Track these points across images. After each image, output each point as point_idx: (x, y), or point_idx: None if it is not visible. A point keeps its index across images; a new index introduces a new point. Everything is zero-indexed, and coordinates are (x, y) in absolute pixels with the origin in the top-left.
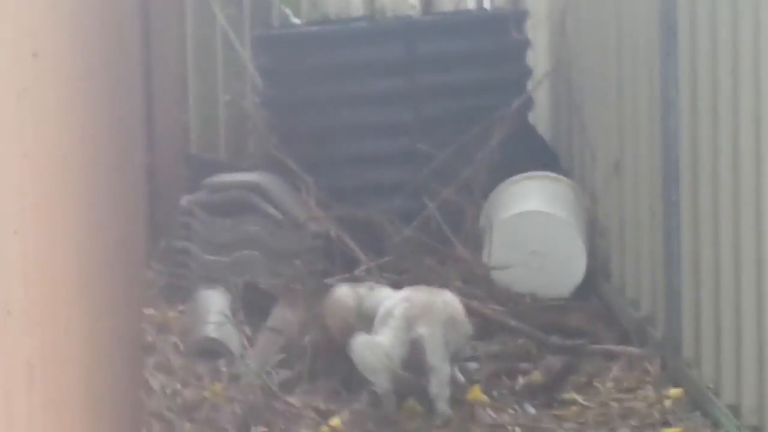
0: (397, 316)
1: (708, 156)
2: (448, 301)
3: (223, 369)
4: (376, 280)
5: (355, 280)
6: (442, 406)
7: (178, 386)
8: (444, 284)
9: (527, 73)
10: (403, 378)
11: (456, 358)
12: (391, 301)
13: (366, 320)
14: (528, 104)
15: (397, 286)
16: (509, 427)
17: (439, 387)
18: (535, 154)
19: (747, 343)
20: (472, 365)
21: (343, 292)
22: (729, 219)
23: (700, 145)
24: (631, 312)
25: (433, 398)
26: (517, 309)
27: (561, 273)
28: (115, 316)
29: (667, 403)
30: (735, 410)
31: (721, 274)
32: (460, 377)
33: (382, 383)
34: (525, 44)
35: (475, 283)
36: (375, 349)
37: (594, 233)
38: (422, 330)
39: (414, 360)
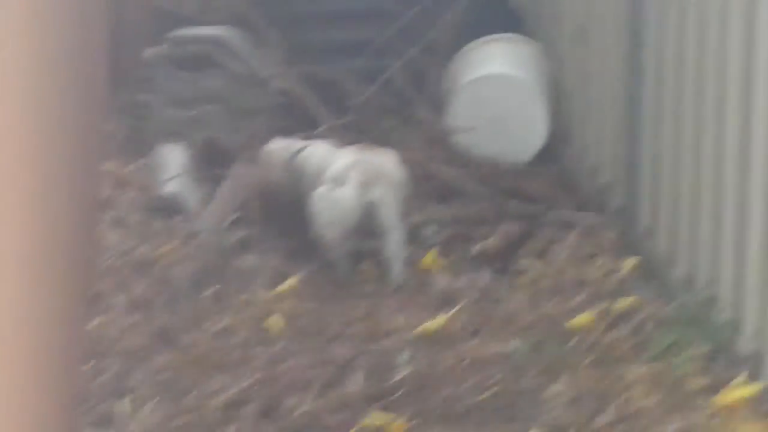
0: (353, 178)
1: (675, 21)
2: (395, 162)
3: (180, 226)
4: (337, 139)
5: (316, 138)
6: (398, 270)
7: (133, 242)
8: (405, 145)
9: None
10: (358, 240)
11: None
12: (341, 162)
13: (296, 174)
14: None
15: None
16: (464, 293)
17: (394, 249)
18: (500, 17)
19: (704, 216)
20: (429, 229)
21: (277, 146)
22: (692, 90)
23: (666, 11)
24: (590, 179)
25: (388, 260)
26: (477, 173)
27: (522, 138)
28: (70, 169)
29: (623, 272)
30: (689, 282)
31: (681, 145)
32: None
33: (336, 240)
34: None
35: (435, 145)
36: (336, 203)
37: (557, 98)
38: (377, 193)
39: (369, 223)
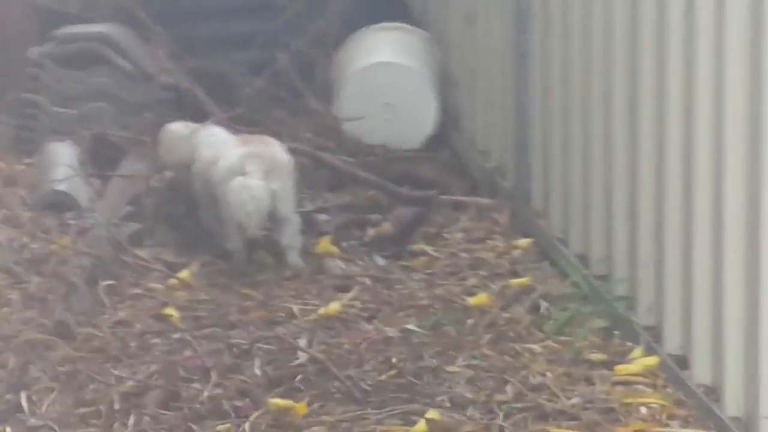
0: (254, 169)
1: (558, 7)
2: (283, 151)
3: (71, 222)
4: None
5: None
6: (294, 258)
7: (26, 239)
8: (294, 136)
9: None
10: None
11: None
12: (235, 152)
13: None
14: None
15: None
16: (359, 278)
17: (291, 238)
18: (387, 5)
19: (595, 194)
20: (322, 217)
21: (176, 125)
22: (579, 70)
23: None
24: (481, 163)
25: (285, 249)
26: (367, 160)
27: (412, 124)
28: None
29: (516, 253)
30: (583, 260)
31: (570, 125)
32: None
33: (252, 230)
34: None
35: (325, 134)
36: (255, 192)
37: (446, 84)
38: (275, 183)
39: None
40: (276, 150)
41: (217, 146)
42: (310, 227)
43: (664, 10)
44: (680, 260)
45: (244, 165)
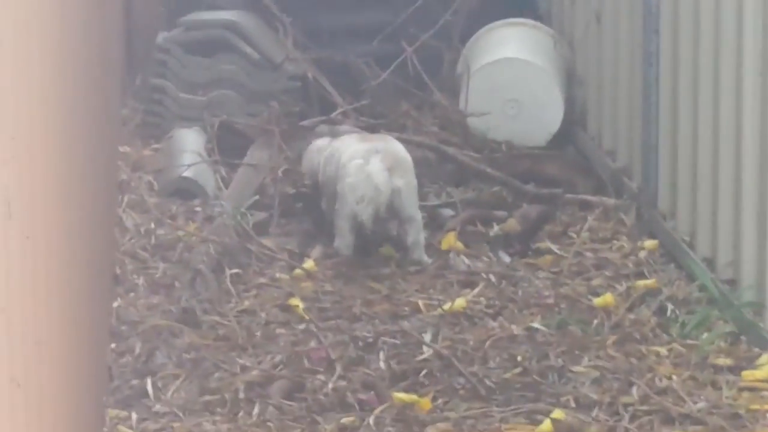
0: (377, 167)
1: (689, 5)
2: (404, 149)
3: (198, 209)
4: (352, 124)
5: (331, 122)
6: (419, 254)
7: (152, 225)
8: (419, 129)
9: None
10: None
11: None
12: (357, 148)
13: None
14: None
15: (373, 130)
16: (484, 275)
17: (416, 235)
18: (514, 1)
19: (724, 197)
20: (448, 212)
21: (320, 144)
22: (708, 70)
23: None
24: (607, 162)
25: (410, 247)
26: (492, 156)
27: (537, 121)
28: (89, 152)
29: (642, 254)
30: (710, 263)
31: (698, 126)
32: None
33: (364, 217)
34: None
35: (450, 129)
36: (374, 177)
37: (572, 82)
38: (399, 181)
39: (391, 210)
40: (398, 147)
41: (341, 142)
42: (434, 222)
43: None
44: None
45: (368, 157)
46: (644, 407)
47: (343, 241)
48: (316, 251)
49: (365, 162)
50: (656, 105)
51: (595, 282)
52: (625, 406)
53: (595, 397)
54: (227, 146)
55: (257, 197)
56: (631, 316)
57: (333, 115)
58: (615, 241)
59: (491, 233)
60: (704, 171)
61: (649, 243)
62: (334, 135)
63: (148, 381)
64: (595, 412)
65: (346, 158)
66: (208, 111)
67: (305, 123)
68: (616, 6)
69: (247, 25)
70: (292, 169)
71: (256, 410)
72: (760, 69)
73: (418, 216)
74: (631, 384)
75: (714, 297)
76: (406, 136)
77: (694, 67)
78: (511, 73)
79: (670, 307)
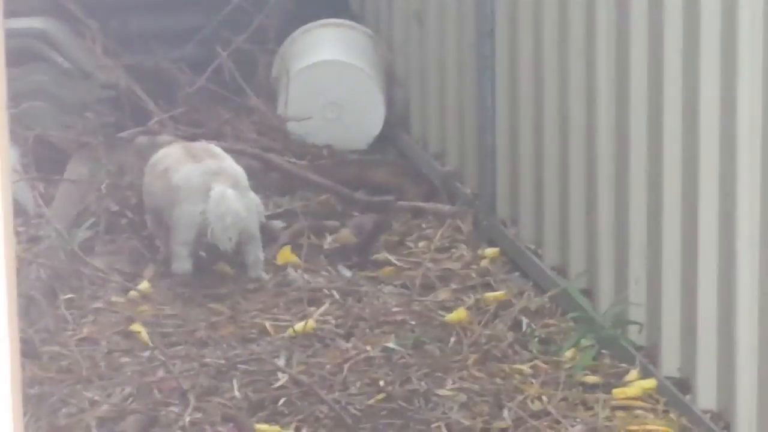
0: (229, 193)
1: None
2: (234, 163)
3: (20, 229)
4: (171, 133)
5: (149, 132)
6: (258, 272)
7: None
8: (239, 136)
9: None
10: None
11: None
12: (188, 171)
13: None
14: None
15: (192, 139)
16: (326, 291)
17: (256, 253)
18: (328, 1)
19: (574, 203)
20: (278, 224)
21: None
22: (553, 72)
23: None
24: (435, 166)
25: (250, 265)
26: (317, 163)
27: (358, 124)
28: None
29: (484, 263)
30: (560, 272)
31: (544, 130)
32: None
33: (231, 243)
34: None
35: (270, 134)
36: (234, 203)
37: (392, 84)
38: (245, 200)
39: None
40: (229, 162)
41: (166, 160)
42: (265, 236)
43: None
44: (679, 277)
45: (208, 182)
46: (521, 431)
47: (182, 265)
48: (149, 271)
49: (208, 187)
50: (492, 109)
51: (442, 296)
52: (500, 431)
53: (466, 423)
54: (44, 161)
55: (80, 214)
56: (487, 331)
57: (149, 124)
58: (454, 250)
59: (326, 245)
60: (550, 177)
61: (490, 251)
62: (154, 146)
63: None
64: None
65: (181, 180)
66: (20, 124)
67: (123, 135)
68: (440, 6)
69: (56, 32)
70: (114, 183)
71: None
72: (615, 69)
73: (258, 234)
74: (501, 407)
75: (569, 308)
76: (227, 144)
77: (536, 69)
78: (330, 76)
79: (525, 320)
